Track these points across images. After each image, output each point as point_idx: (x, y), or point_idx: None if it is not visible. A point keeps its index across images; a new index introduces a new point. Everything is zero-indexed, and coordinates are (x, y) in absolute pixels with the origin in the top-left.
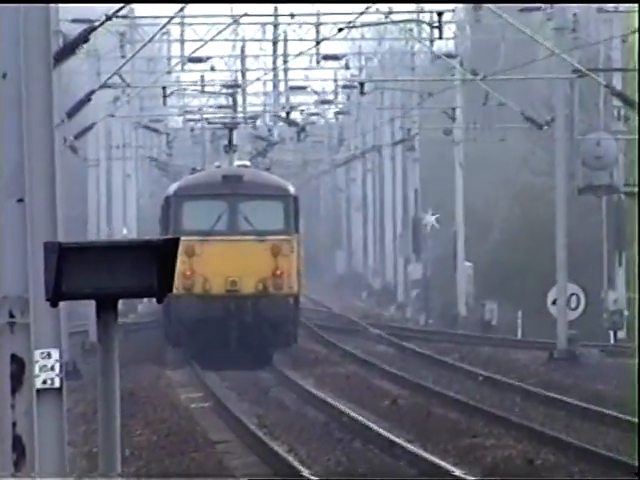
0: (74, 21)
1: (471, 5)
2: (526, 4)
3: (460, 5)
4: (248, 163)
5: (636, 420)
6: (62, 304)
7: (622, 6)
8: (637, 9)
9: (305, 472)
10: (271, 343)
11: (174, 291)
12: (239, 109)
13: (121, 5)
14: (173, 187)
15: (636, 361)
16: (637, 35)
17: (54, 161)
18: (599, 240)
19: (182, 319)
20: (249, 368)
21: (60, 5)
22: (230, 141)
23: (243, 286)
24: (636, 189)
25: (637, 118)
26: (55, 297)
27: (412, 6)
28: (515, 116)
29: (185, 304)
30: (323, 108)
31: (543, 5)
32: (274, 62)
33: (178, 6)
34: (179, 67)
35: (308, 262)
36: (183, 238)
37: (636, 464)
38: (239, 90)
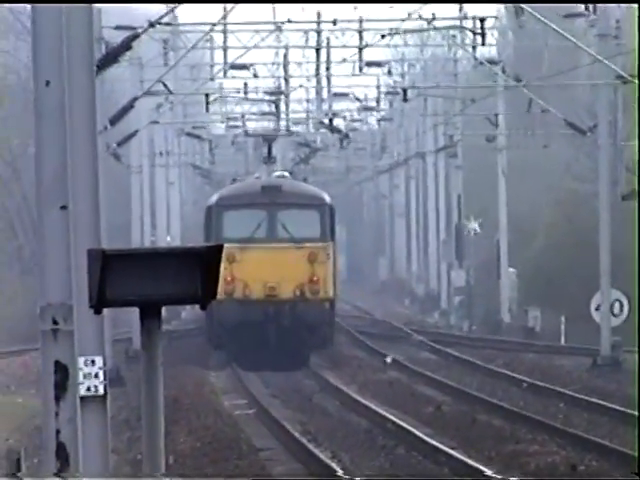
0: (117, 28)
1: (513, 11)
2: (563, 3)
3: (502, 11)
4: (287, 174)
5: None
6: (106, 311)
7: None
8: (637, 9)
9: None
10: (308, 345)
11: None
12: (282, 116)
13: (164, 12)
14: (214, 197)
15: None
16: (637, 35)
17: (97, 168)
18: None
19: (223, 323)
20: (287, 369)
21: (103, 12)
22: (269, 152)
23: (281, 291)
24: None
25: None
26: (98, 304)
27: (455, 12)
28: (558, 122)
29: (226, 308)
30: (366, 115)
31: (586, 11)
32: (317, 69)
33: (221, 13)
34: (222, 74)
35: (351, 269)
36: (225, 246)
37: None
38: (282, 97)
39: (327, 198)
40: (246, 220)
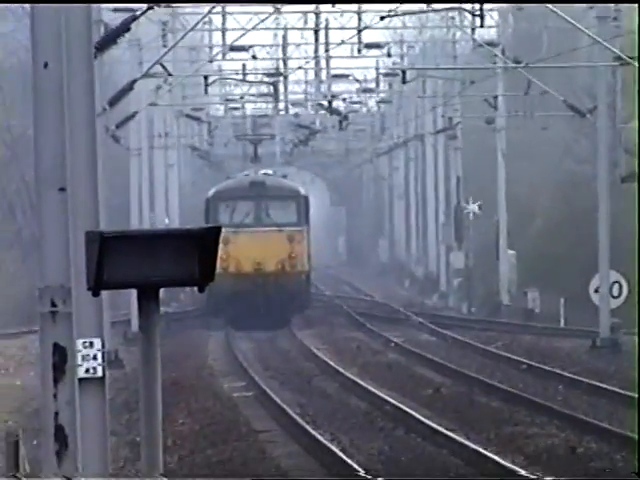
0: (116, 10)
1: None
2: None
3: None
4: (270, 171)
5: None
6: (104, 293)
7: None
8: (637, 9)
9: (348, 461)
10: (289, 309)
11: None
12: (281, 98)
13: None
14: (212, 191)
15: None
16: (637, 35)
17: (96, 150)
18: None
19: (220, 293)
20: (272, 329)
21: None
22: (255, 153)
23: (266, 266)
24: None
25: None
26: (96, 286)
27: None
28: (557, 104)
29: (222, 281)
30: (365, 97)
31: None
32: (316, 50)
33: None
34: (221, 56)
35: (351, 250)
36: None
37: None
38: (281, 79)
39: (302, 191)
40: (237, 209)
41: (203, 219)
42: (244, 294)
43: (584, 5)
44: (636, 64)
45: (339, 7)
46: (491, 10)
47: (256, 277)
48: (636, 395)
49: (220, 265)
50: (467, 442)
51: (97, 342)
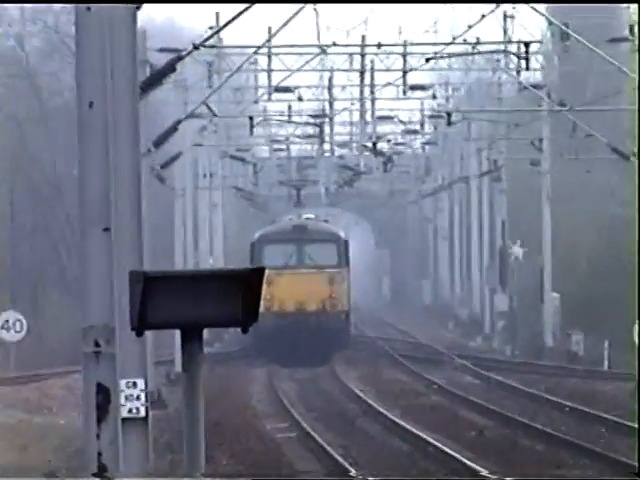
0: (161, 50)
1: (559, 35)
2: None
3: (547, 35)
4: (312, 216)
5: None
6: (148, 333)
7: None
8: (637, 9)
9: None
10: (330, 346)
11: None
12: (326, 139)
13: (209, 34)
14: (257, 234)
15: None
16: (637, 34)
17: (140, 190)
18: None
19: (264, 331)
20: (313, 365)
21: (147, 34)
22: (298, 199)
23: (308, 305)
24: None
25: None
26: (140, 326)
27: (499, 36)
28: (602, 147)
29: (266, 319)
30: (410, 138)
31: (631, 36)
32: (361, 92)
33: (265, 36)
34: (266, 97)
35: (395, 291)
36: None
37: None
38: (326, 120)
39: (342, 234)
40: (281, 251)
41: (249, 261)
42: (287, 332)
43: (630, 47)
44: None
45: (385, 49)
46: (536, 53)
47: (298, 316)
48: None
49: (264, 305)
50: None
51: (140, 382)
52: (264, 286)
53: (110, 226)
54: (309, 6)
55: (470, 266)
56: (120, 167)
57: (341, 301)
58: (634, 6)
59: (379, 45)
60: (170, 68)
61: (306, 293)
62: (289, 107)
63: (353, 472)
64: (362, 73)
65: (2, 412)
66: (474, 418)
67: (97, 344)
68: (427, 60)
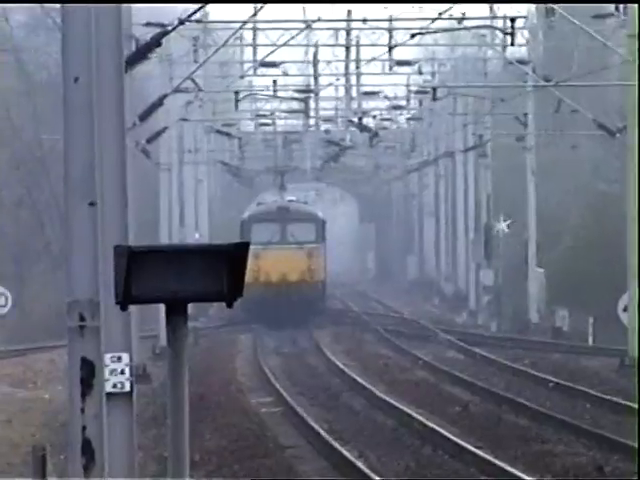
0: (147, 25)
1: (544, 11)
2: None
3: (533, 11)
4: (294, 198)
5: None
6: (133, 308)
7: None
8: (637, 9)
9: (375, 478)
10: (308, 311)
11: (247, 280)
12: (311, 114)
13: (194, 9)
14: (246, 214)
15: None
16: (637, 35)
17: (125, 165)
18: None
19: (252, 299)
20: (294, 327)
21: (133, 8)
22: (282, 183)
23: (290, 276)
24: None
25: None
26: (125, 301)
27: (485, 12)
28: (588, 123)
29: (254, 289)
30: (395, 114)
31: (616, 12)
32: (346, 67)
33: (251, 11)
34: (251, 72)
35: (380, 267)
36: (252, 247)
37: None
38: (311, 95)
39: (320, 214)
40: (267, 230)
41: (239, 237)
42: (272, 299)
43: (615, 23)
44: None
45: (370, 24)
46: (522, 28)
47: (282, 285)
48: None
49: (252, 276)
50: (494, 460)
51: (125, 357)
52: (252, 259)
53: (95, 200)
54: None
55: (455, 241)
56: (105, 141)
57: (318, 272)
58: (634, 6)
59: (364, 20)
60: (156, 43)
61: (288, 265)
62: (274, 82)
63: (337, 445)
64: (347, 48)
65: None
66: (459, 393)
67: (82, 318)
68: (413, 35)
